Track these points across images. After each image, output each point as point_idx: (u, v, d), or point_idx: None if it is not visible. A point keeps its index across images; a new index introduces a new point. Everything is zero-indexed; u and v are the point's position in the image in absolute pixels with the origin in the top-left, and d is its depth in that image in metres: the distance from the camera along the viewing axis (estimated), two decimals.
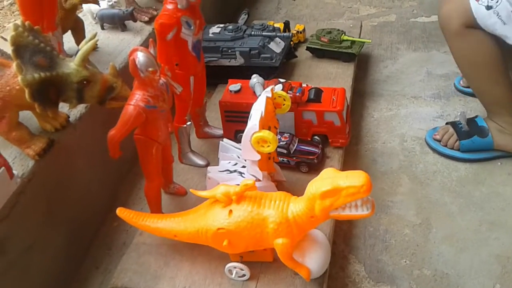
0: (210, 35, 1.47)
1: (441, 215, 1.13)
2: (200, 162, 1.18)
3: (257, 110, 0.94)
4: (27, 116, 0.93)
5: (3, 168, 0.76)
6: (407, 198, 1.18)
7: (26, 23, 0.81)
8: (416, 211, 1.14)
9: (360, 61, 1.66)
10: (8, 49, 0.87)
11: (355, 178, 0.74)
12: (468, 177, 1.22)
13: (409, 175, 1.24)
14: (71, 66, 0.82)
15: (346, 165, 1.20)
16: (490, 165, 1.24)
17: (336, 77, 1.48)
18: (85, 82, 0.82)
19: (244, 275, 0.89)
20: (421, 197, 1.18)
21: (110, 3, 1.36)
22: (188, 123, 1.14)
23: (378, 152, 1.32)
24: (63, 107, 0.95)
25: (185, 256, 0.95)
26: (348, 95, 1.32)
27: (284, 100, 1.04)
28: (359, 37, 1.63)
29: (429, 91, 1.54)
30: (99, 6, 1.30)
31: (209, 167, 1.08)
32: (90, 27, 1.34)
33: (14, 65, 0.77)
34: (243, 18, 1.78)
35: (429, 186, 1.20)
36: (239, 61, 1.44)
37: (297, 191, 0.85)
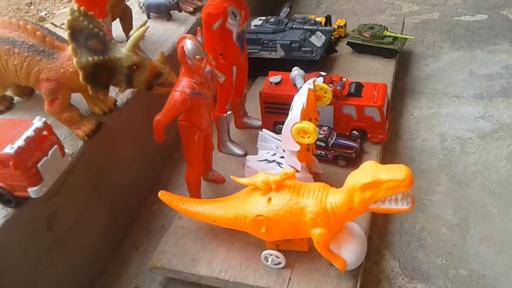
0: (252, 27, 1.48)
1: (479, 216, 1.11)
2: (238, 151, 1.19)
3: (299, 101, 0.94)
4: (77, 99, 0.96)
5: (56, 146, 0.79)
6: (445, 197, 1.16)
7: (82, 8, 0.84)
8: (454, 211, 1.13)
9: (401, 58, 1.64)
10: (60, 34, 0.91)
11: (396, 172, 0.74)
12: (509, 179, 1.19)
13: (448, 174, 1.22)
14: (123, 51, 0.85)
15: (384, 161, 1.20)
16: None
17: (376, 72, 1.47)
18: (135, 67, 0.85)
19: (279, 263, 0.90)
20: (459, 197, 1.16)
21: None
22: (229, 112, 1.16)
23: (417, 150, 1.30)
24: (111, 92, 0.98)
25: (222, 241, 0.97)
26: (389, 91, 1.31)
27: (326, 92, 1.05)
28: (401, 34, 1.61)
29: (471, 90, 1.51)
30: None
31: (248, 156, 1.10)
32: (137, 16, 1.37)
33: (69, 48, 0.81)
34: (285, 11, 1.79)
35: (468, 187, 1.18)
36: (280, 53, 1.45)
37: (334, 184, 0.85)
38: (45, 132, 0.78)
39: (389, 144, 1.29)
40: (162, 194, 0.95)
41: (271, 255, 0.90)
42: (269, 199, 0.84)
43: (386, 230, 1.10)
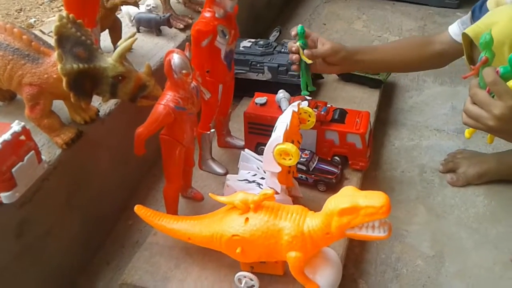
0: (241, 48, 1.50)
1: (455, 250, 1.11)
2: (219, 170, 1.19)
3: (283, 123, 0.95)
4: (58, 106, 0.95)
5: (32, 151, 0.77)
6: (422, 228, 1.17)
7: (70, 15, 0.84)
8: (430, 243, 1.13)
9: (386, 89, 1.67)
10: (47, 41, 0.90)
11: (374, 199, 0.74)
12: (485, 214, 1.20)
13: (426, 206, 1.23)
14: (109, 61, 0.84)
15: (364, 189, 1.16)
16: (509, 204, 1.23)
17: (361, 101, 1.49)
18: (120, 77, 0.85)
19: (253, 286, 0.89)
20: (436, 229, 1.17)
21: (148, 8, 1.40)
22: (212, 130, 1.15)
23: (396, 180, 1.31)
24: (94, 102, 0.98)
25: (196, 261, 0.95)
26: (372, 120, 1.33)
27: (309, 116, 1.05)
28: None
29: (452, 125, 1.53)
30: (138, 9, 1.34)
31: (228, 175, 1.09)
32: (127, 28, 1.37)
33: (55, 54, 0.80)
34: (274, 35, 1.81)
35: (445, 219, 1.19)
36: (267, 76, 1.46)
37: (313, 208, 0.85)
38: (22, 137, 0.77)
39: (369, 172, 1.30)
40: (138, 209, 0.94)
41: (245, 277, 0.89)
42: (247, 219, 0.83)
43: (362, 259, 1.09)
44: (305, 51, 1.21)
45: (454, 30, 1.27)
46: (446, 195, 1.26)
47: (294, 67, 1.25)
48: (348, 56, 1.28)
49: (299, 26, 1.20)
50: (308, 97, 1.21)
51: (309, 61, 1.21)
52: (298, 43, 1.21)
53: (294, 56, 1.23)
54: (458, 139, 1.47)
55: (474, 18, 1.19)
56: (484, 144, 1.42)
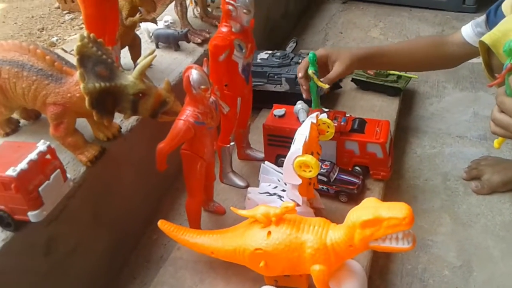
0: (258, 60, 1.50)
1: (482, 259, 1.09)
2: (240, 183, 1.19)
3: (301, 135, 0.95)
4: (82, 124, 0.97)
5: (58, 170, 0.79)
6: (448, 238, 1.15)
7: (91, 35, 0.86)
8: (456, 253, 1.11)
9: (405, 97, 1.65)
10: (69, 60, 0.92)
11: (397, 210, 0.73)
12: None
13: (451, 215, 1.21)
14: (129, 78, 0.86)
15: (387, 199, 1.19)
16: None
17: (380, 110, 1.48)
18: (140, 94, 0.86)
19: None
20: (462, 238, 1.15)
21: (166, 24, 1.42)
22: (232, 143, 1.16)
23: (419, 189, 1.30)
24: (116, 119, 0.99)
25: (220, 275, 0.95)
26: (392, 129, 1.32)
27: (328, 127, 1.05)
28: (405, 73, 1.63)
29: (475, 131, 1.51)
30: (157, 25, 1.36)
31: (249, 188, 1.09)
32: (146, 45, 1.39)
33: (77, 74, 0.82)
34: (291, 46, 1.82)
35: (471, 228, 1.17)
36: (285, 87, 1.46)
37: (335, 220, 0.84)
38: (48, 156, 0.78)
39: (391, 182, 1.28)
40: (162, 224, 0.95)
41: None
42: (269, 232, 0.83)
43: (388, 270, 1.08)
44: (322, 80, 1.16)
45: (467, 31, 1.25)
46: (471, 203, 1.24)
47: (305, 95, 1.21)
48: (359, 66, 1.30)
49: (310, 53, 1.14)
50: (325, 109, 1.20)
51: (326, 87, 1.16)
52: (310, 71, 1.14)
53: (305, 87, 1.19)
54: (481, 146, 1.44)
55: (489, 22, 1.18)
56: (509, 150, 1.40)
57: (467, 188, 1.28)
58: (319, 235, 0.80)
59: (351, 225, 0.77)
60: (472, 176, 1.30)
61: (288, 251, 0.81)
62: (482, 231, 1.16)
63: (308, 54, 1.15)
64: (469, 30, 1.25)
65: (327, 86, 1.16)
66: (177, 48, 1.39)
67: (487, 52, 1.01)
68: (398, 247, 0.75)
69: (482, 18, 1.22)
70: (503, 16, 1.10)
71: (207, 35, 1.45)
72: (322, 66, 1.20)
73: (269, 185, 1.08)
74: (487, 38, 0.98)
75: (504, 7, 1.13)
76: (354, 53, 1.23)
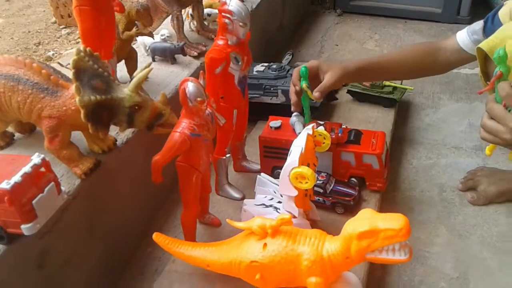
0: (254, 72, 1.51)
1: (479, 270, 1.09)
2: (236, 195, 1.19)
3: (298, 146, 0.95)
4: (77, 137, 0.97)
5: (52, 183, 0.79)
6: (444, 249, 1.14)
7: (87, 49, 0.86)
8: (453, 264, 1.11)
9: (401, 108, 1.66)
10: (66, 73, 0.93)
11: (394, 221, 0.73)
12: (509, 232, 1.17)
13: (447, 226, 1.21)
14: (125, 91, 0.86)
15: (383, 210, 1.16)
16: None
17: (376, 121, 1.49)
18: (136, 107, 0.86)
19: None
20: (459, 249, 1.14)
21: (163, 37, 1.43)
22: (228, 155, 1.16)
23: (415, 200, 1.30)
24: (112, 131, 0.99)
25: None
26: (388, 140, 1.32)
27: (324, 138, 1.05)
28: (401, 84, 1.64)
29: (470, 142, 1.51)
30: (153, 39, 1.37)
31: (245, 200, 1.09)
32: (142, 58, 1.40)
33: (73, 87, 0.82)
34: (287, 58, 1.83)
35: (468, 239, 1.17)
36: (281, 99, 1.47)
37: (332, 231, 0.84)
38: (42, 169, 0.78)
39: (388, 193, 1.28)
40: (157, 236, 0.94)
41: None
42: (265, 244, 0.83)
43: (385, 282, 1.07)
44: (314, 93, 1.16)
45: (463, 38, 1.25)
46: (468, 214, 1.24)
47: (294, 108, 1.20)
48: (351, 79, 1.32)
49: (302, 67, 1.14)
50: (320, 122, 1.20)
51: (319, 100, 1.17)
52: (303, 84, 1.14)
53: (295, 100, 1.18)
54: (476, 157, 1.45)
55: (486, 29, 1.19)
56: (504, 161, 1.40)
57: (463, 199, 1.29)
58: (315, 247, 0.80)
59: (347, 237, 0.76)
60: (468, 187, 1.30)
61: (284, 263, 0.81)
62: (478, 242, 1.16)
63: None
64: (464, 37, 1.26)
65: (320, 100, 1.18)
66: (174, 61, 1.40)
67: (485, 59, 1.02)
68: (395, 258, 0.75)
69: (479, 25, 1.23)
70: (500, 24, 1.11)
71: (203, 48, 1.46)
72: (314, 77, 1.19)
73: (265, 196, 1.07)
74: (484, 45, 0.99)
75: (501, 14, 1.14)
76: (345, 66, 1.24)
